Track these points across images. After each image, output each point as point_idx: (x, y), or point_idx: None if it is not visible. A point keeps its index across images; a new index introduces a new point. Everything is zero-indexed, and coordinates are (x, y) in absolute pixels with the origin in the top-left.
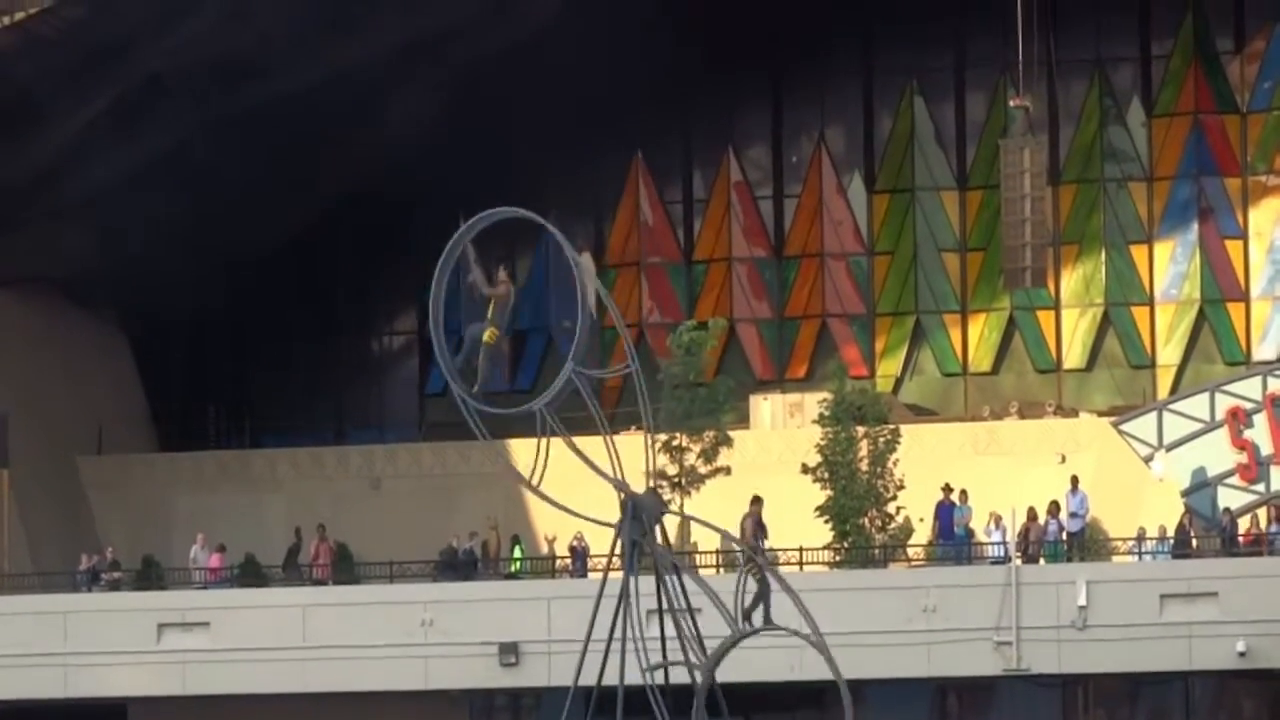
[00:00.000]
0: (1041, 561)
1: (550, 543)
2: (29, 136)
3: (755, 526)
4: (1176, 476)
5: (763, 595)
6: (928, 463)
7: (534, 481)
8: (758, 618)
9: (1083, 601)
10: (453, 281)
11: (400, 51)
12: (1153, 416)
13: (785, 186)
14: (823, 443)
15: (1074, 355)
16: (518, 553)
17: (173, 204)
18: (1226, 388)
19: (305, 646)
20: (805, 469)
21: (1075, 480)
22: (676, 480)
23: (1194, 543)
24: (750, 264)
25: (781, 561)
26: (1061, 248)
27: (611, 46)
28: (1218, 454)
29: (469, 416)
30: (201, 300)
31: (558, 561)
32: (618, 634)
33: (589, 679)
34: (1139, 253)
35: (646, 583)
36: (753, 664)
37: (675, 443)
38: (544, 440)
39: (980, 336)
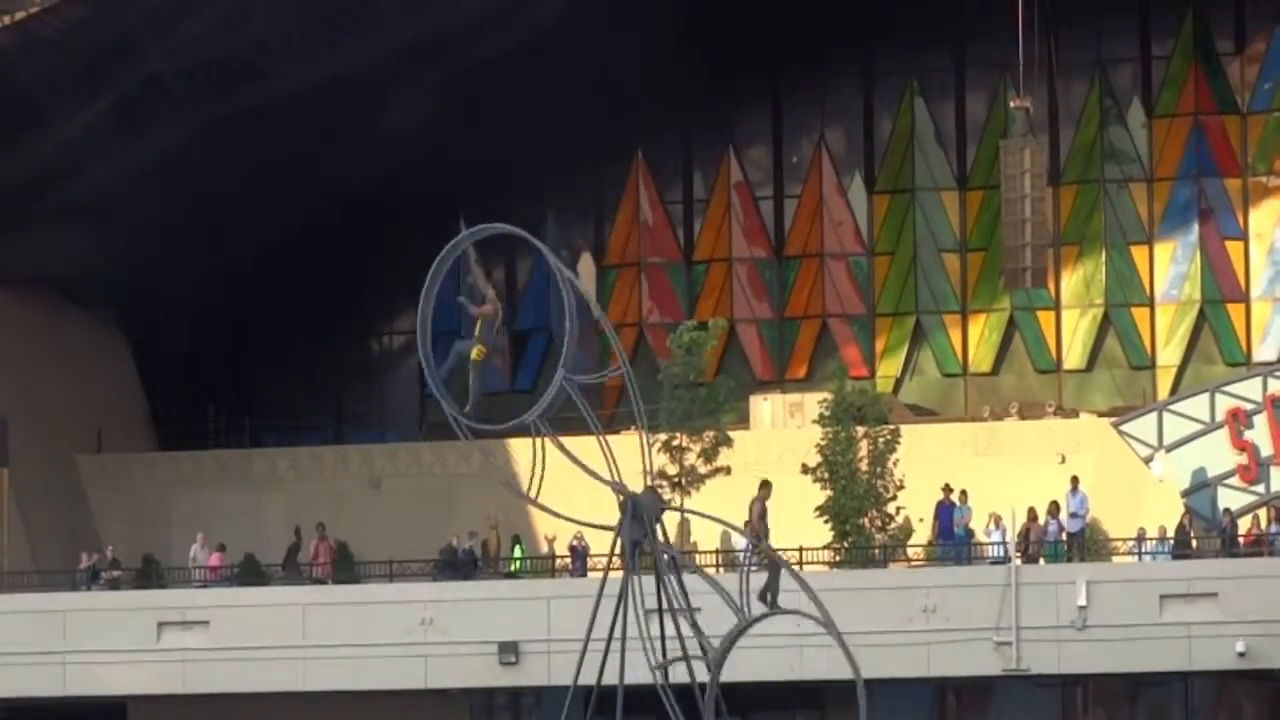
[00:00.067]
0: (1041, 562)
1: (550, 542)
2: (29, 136)
3: (763, 510)
4: (1176, 477)
5: (773, 578)
6: (928, 463)
7: (531, 493)
8: (762, 607)
9: (1082, 602)
10: (453, 281)
11: (401, 52)
12: (1153, 417)
13: (785, 187)
14: (823, 443)
15: (1074, 356)
16: (518, 552)
17: (173, 204)
18: (1227, 388)
19: (305, 646)
20: (805, 469)
21: (1075, 480)
22: (676, 480)
23: (1194, 543)
24: (750, 264)
25: None
26: (1062, 248)
27: (611, 47)
28: (1218, 455)
29: (461, 433)
30: (201, 300)
31: (558, 561)
32: (617, 633)
33: (589, 678)
34: (1139, 253)
35: (647, 582)
36: (752, 664)
37: (675, 443)
38: (539, 452)
39: (980, 337)
